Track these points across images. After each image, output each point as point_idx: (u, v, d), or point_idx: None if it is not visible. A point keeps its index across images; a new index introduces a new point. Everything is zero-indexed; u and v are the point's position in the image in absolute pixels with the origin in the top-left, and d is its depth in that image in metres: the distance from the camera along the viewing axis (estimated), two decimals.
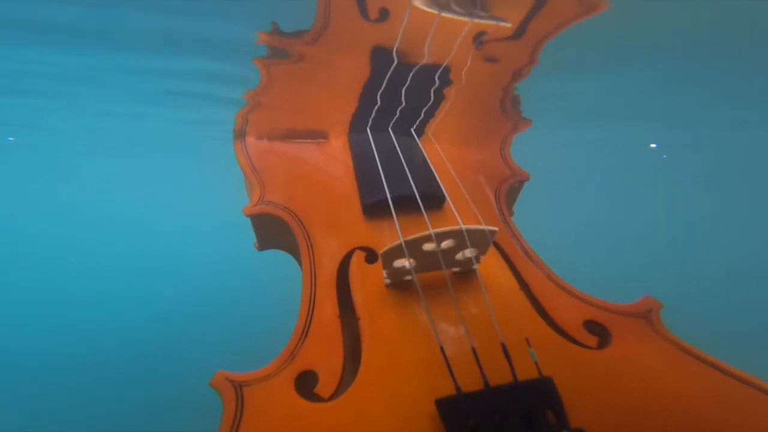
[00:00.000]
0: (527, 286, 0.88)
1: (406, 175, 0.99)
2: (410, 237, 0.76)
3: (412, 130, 1.19)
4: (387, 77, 1.08)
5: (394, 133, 1.15)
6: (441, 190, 0.98)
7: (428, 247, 0.78)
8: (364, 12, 0.78)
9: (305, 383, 0.73)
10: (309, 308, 0.84)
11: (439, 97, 1.23)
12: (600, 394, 0.70)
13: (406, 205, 0.95)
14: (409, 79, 1.10)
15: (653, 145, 3.10)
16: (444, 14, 0.81)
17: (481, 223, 0.89)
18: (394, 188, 0.97)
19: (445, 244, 0.78)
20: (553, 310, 0.84)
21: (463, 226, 0.77)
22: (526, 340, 0.73)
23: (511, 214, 1.19)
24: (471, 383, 0.68)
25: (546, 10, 0.83)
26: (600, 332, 0.80)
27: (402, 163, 1.02)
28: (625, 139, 2.59)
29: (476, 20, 0.83)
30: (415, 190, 0.95)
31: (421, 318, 0.79)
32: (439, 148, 1.15)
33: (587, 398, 0.69)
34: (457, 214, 0.92)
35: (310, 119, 1.48)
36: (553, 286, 0.88)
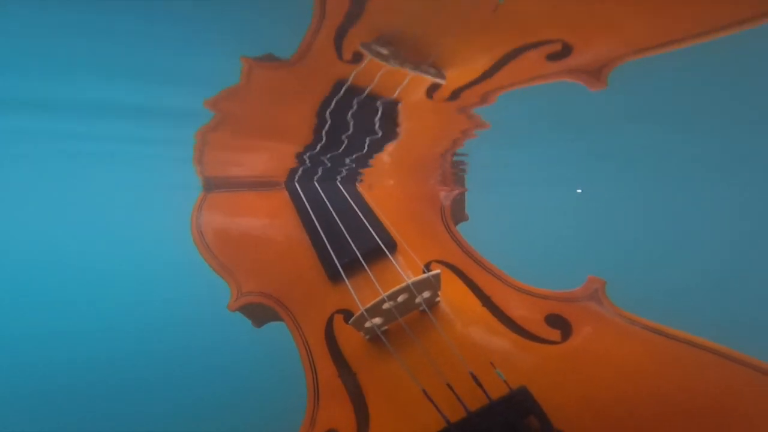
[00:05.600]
0: (489, 299, 0.96)
1: (346, 237, 1.06)
2: (368, 305, 0.86)
3: (338, 178, 1.25)
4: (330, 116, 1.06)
5: (325, 182, 1.20)
6: (378, 244, 1.04)
7: (387, 305, 0.87)
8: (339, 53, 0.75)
9: None
10: (313, 375, 0.95)
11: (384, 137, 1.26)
12: (574, 386, 0.77)
13: (356, 266, 1.03)
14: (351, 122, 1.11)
15: (579, 190, 3.19)
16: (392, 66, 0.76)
17: (415, 260, 1.01)
18: (340, 254, 1.04)
19: (401, 298, 0.88)
20: (515, 314, 0.92)
21: (409, 281, 0.86)
22: (491, 363, 0.83)
23: (466, 218, 1.28)
24: (456, 413, 0.78)
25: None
26: (561, 324, 0.87)
27: (339, 225, 1.09)
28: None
29: (418, 73, 0.80)
30: (357, 252, 1.03)
31: (400, 365, 0.89)
32: (373, 193, 1.22)
33: (564, 394, 0.76)
34: (399, 269, 0.99)
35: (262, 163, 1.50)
36: (511, 291, 0.97)
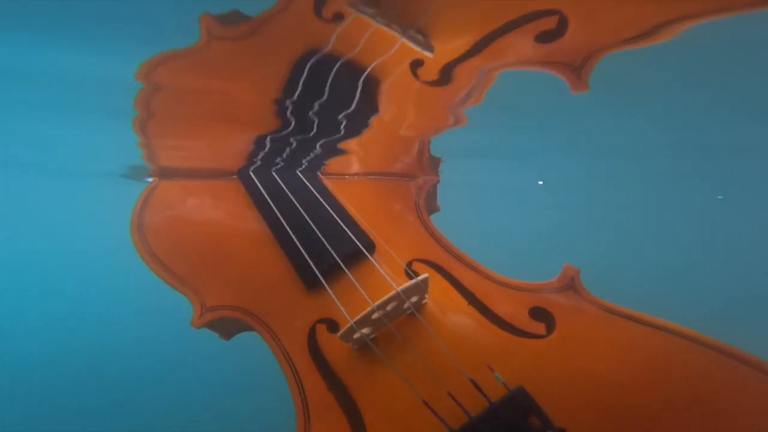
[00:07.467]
0: (473, 296, 0.95)
1: (320, 238, 0.98)
2: (357, 317, 0.81)
3: (299, 171, 1.16)
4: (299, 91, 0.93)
5: (284, 173, 1.11)
6: (357, 245, 0.98)
7: (377, 315, 0.83)
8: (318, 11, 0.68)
9: None
10: (299, 391, 0.89)
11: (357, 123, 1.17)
12: (566, 380, 0.78)
13: (335, 271, 0.96)
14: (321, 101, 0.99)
15: (541, 182, 3.25)
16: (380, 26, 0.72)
17: (396, 260, 0.97)
18: (317, 259, 0.96)
19: (390, 306, 0.84)
20: (500, 310, 0.91)
21: (398, 289, 0.82)
22: (489, 366, 0.82)
23: (438, 209, 1.25)
24: (458, 419, 0.77)
25: None
26: (544, 317, 0.88)
27: (310, 224, 1.01)
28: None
29: (406, 40, 0.76)
30: (335, 256, 0.95)
31: (394, 373, 0.86)
32: (340, 185, 1.14)
33: (558, 389, 0.77)
34: (384, 274, 0.94)
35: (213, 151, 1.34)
36: (493, 286, 0.96)
